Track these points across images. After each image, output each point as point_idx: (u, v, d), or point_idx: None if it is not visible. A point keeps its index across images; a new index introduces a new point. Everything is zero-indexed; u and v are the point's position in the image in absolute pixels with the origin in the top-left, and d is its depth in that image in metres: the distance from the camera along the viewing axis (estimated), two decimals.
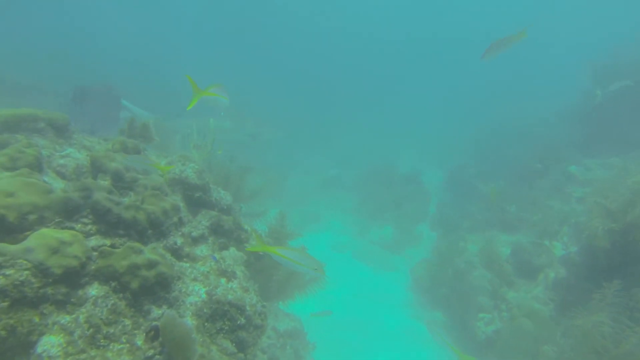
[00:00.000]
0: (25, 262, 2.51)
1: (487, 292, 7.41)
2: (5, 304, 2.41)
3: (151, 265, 3.03)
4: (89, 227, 3.17)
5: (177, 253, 3.69)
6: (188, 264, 3.56)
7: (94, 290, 2.83)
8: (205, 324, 3.27)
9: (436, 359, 7.33)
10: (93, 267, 2.88)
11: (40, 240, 2.60)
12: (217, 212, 4.79)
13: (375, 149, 18.91)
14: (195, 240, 4.14)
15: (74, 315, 2.67)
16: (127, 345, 2.81)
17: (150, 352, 2.83)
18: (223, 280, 3.68)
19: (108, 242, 3.18)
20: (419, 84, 35.46)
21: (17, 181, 2.81)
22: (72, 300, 2.71)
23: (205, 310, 3.29)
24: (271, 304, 6.37)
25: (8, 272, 2.45)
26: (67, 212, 3.09)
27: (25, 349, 2.47)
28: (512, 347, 6.11)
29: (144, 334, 2.92)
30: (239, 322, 3.40)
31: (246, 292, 3.68)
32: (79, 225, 3.12)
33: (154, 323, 2.98)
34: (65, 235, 2.74)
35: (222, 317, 3.36)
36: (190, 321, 3.17)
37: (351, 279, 10.11)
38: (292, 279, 6.40)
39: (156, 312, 3.04)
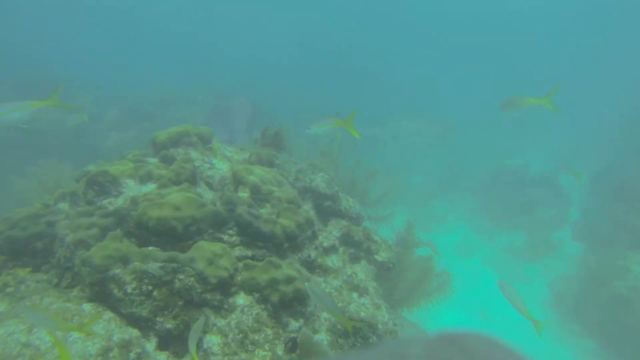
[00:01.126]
0: (191, 269, 2.80)
1: None
2: (181, 303, 2.75)
3: (289, 280, 3.13)
4: (234, 238, 3.42)
5: (310, 265, 3.78)
6: (322, 279, 3.62)
7: (241, 299, 3.03)
8: (339, 340, 3.28)
9: None
10: (239, 278, 3.09)
11: (200, 251, 2.88)
12: (347, 221, 4.81)
13: (497, 148, 17.26)
14: (327, 251, 4.20)
15: (227, 320, 2.90)
16: (270, 353, 2.95)
17: None
18: (355, 295, 3.66)
19: (250, 252, 3.40)
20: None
21: (181, 196, 3.16)
22: (224, 306, 2.95)
23: (338, 327, 3.30)
24: (396, 312, 6.22)
25: (180, 277, 2.79)
26: (217, 224, 3.37)
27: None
28: None
29: (283, 345, 3.04)
30: (370, 340, 3.33)
31: (378, 310, 3.60)
32: (226, 237, 3.38)
33: (292, 335, 3.08)
34: (217, 248, 2.98)
35: (354, 334, 3.33)
36: (324, 336, 3.21)
37: (480, 288, 9.39)
38: (419, 287, 6.16)
39: (293, 324, 3.13)
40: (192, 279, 2.79)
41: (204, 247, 2.92)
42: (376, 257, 4.55)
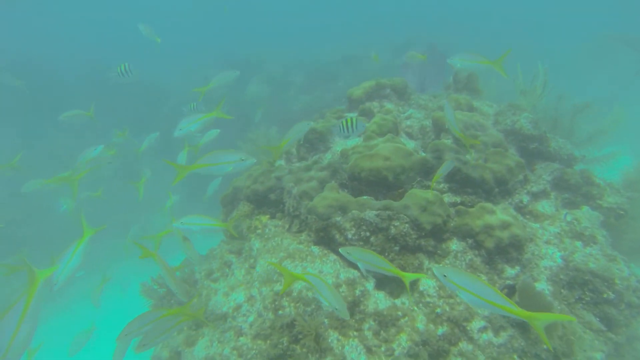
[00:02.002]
0: (405, 216, 2.99)
1: None
2: (397, 248, 2.98)
3: (504, 226, 3.03)
4: (442, 185, 3.46)
5: (522, 211, 3.57)
6: (538, 225, 3.38)
7: (454, 245, 3.10)
8: (562, 290, 3.06)
9: None
10: (452, 224, 3.14)
11: (413, 199, 3.03)
12: (558, 164, 4.31)
13: None
14: (536, 196, 3.88)
15: (440, 264, 3.03)
16: None
17: None
18: (579, 244, 3.31)
19: (458, 199, 3.39)
20: None
21: (389, 146, 3.34)
22: (438, 252, 3.08)
23: (561, 277, 3.07)
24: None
25: (396, 223, 3.00)
26: (425, 171, 3.45)
27: (411, 285, 3.02)
28: None
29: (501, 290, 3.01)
30: (605, 296, 3.00)
31: (613, 262, 3.19)
32: (434, 184, 3.44)
33: (508, 282, 3.02)
34: (430, 195, 3.08)
35: (581, 286, 3.05)
36: (545, 286, 3.04)
37: None
38: None
39: (509, 271, 3.06)
40: (406, 225, 2.97)
41: (417, 195, 3.04)
42: (600, 202, 3.98)
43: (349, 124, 3.36)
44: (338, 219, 3.25)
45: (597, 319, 2.97)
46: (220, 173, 3.16)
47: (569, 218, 3.48)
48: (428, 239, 3.04)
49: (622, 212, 3.88)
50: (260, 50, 15.21)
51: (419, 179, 3.40)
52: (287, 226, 3.77)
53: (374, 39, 16.04)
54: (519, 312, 1.95)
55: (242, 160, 3.12)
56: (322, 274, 3.04)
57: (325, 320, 2.78)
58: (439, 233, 3.09)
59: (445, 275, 2.15)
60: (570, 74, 14.27)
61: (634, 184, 4.75)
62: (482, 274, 3.04)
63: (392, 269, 2.38)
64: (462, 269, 2.92)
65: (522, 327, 2.74)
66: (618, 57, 15.97)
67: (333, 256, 3.21)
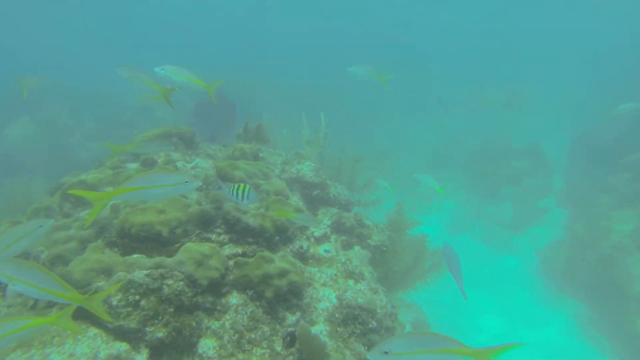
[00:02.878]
0: (179, 273, 2.72)
1: None
2: (171, 309, 2.66)
3: (283, 274, 3.08)
4: (222, 236, 3.34)
5: (303, 256, 3.74)
6: (316, 269, 3.57)
7: (234, 298, 2.97)
8: (338, 328, 3.25)
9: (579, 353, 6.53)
10: (231, 277, 3.02)
11: (188, 254, 2.80)
12: (337, 208, 4.77)
13: (482, 122, 17.33)
14: (318, 240, 4.17)
15: (221, 322, 2.83)
16: (268, 350, 2.90)
17: (290, 359, 2.89)
18: (351, 282, 3.63)
19: (240, 250, 3.32)
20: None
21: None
22: (217, 307, 2.89)
23: (337, 316, 3.27)
24: (392, 295, 6.25)
25: (169, 282, 2.69)
26: (204, 223, 3.28)
27: (190, 348, 2.71)
28: None
29: (282, 340, 3.00)
30: (370, 326, 3.32)
31: (375, 294, 3.58)
32: (214, 236, 3.30)
33: (290, 329, 3.04)
34: (206, 248, 2.90)
35: (353, 321, 3.31)
36: (323, 327, 3.18)
37: (473, 263, 9.51)
38: (414, 267, 6.18)
39: (290, 318, 3.09)
40: (181, 283, 2.71)
41: (192, 249, 2.83)
42: (369, 241, 4.53)
43: (240, 190, 2.99)
44: (100, 283, 2.76)
45: (365, 348, 3.24)
46: (153, 198, 2.71)
47: (343, 259, 3.80)
48: (206, 295, 2.83)
49: (385, 249, 4.50)
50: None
51: (197, 232, 3.21)
52: (31, 302, 3.00)
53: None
54: (471, 352, 1.96)
55: (186, 182, 2.61)
56: (74, 357, 2.46)
57: None
58: (217, 287, 2.92)
59: (386, 352, 1.97)
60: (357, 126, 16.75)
61: (394, 224, 5.66)
62: (265, 325, 2.98)
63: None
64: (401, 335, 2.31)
65: None
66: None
67: (94, 330, 2.66)
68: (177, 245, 3.03)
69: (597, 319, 7.10)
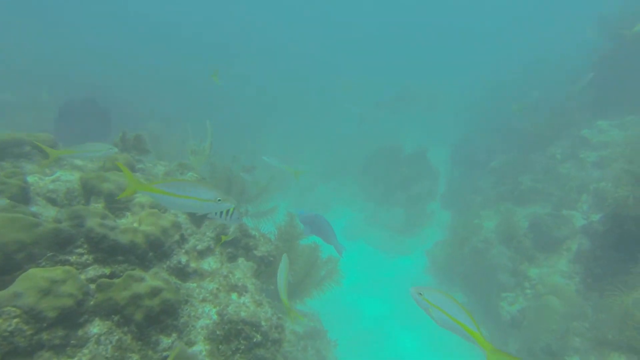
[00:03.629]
0: (13, 309, 2.29)
1: (508, 270, 7.18)
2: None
3: (154, 292, 2.81)
4: (85, 257, 2.96)
5: (183, 272, 3.48)
6: (195, 284, 3.35)
7: (96, 327, 2.62)
8: (220, 346, 3.07)
9: (458, 348, 7.15)
10: (92, 302, 2.67)
11: (29, 282, 2.39)
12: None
13: (374, 133, 18.45)
14: (202, 254, 3.93)
15: (75, 359, 2.47)
16: None
17: None
18: (234, 296, 3.47)
19: (107, 270, 2.97)
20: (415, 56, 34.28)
21: (0, 217, 2.59)
22: (71, 342, 2.51)
23: (218, 333, 3.09)
24: (293, 303, 6.21)
25: None
26: (59, 244, 2.87)
27: None
28: (539, 325, 5.90)
29: None
30: (255, 340, 3.20)
31: (260, 307, 3.47)
32: (74, 257, 2.91)
33: (165, 354, 2.79)
34: (57, 273, 2.52)
35: (236, 336, 3.16)
36: (202, 347, 2.97)
37: (367, 267, 9.93)
38: (308, 277, 6.22)
39: (165, 341, 2.84)
40: (15, 320, 2.28)
41: (36, 276, 2.43)
42: (255, 252, 4.42)
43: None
44: None
45: None
46: (179, 208, 2.62)
47: (225, 272, 3.63)
48: (54, 330, 2.44)
49: (272, 259, 4.42)
50: None
51: (50, 255, 2.78)
52: None
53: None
54: (483, 342, 2.06)
55: (218, 201, 2.54)
56: None
57: None
58: (72, 317, 2.54)
59: (420, 294, 2.20)
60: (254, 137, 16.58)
61: (284, 235, 5.64)
62: (134, 353, 2.68)
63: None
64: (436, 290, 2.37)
65: None
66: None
67: None
68: (18, 273, 2.58)
69: (474, 306, 7.88)
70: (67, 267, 2.63)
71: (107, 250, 3.02)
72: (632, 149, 5.99)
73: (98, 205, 3.48)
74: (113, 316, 2.70)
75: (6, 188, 3.04)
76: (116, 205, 3.65)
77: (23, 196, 3.15)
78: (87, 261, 2.96)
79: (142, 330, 2.76)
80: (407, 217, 12.23)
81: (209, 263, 3.93)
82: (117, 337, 2.65)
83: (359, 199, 13.99)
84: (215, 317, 3.13)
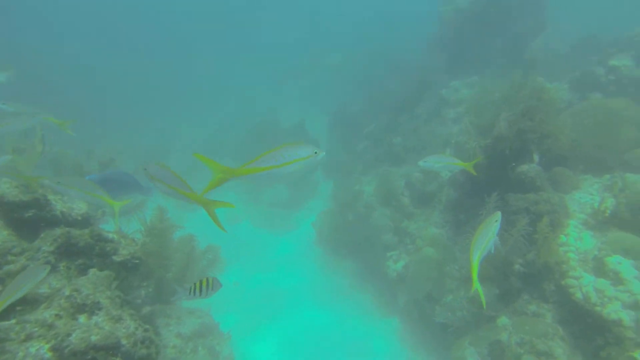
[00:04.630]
0: None
1: (390, 230, 7.52)
2: None
3: None
4: None
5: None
6: (14, 320, 2.64)
7: None
8: None
9: (352, 313, 7.36)
10: None
11: None
12: (64, 227, 3.78)
13: (256, 111, 17.94)
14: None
15: None
16: None
17: None
18: (82, 318, 2.85)
19: None
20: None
21: None
22: None
23: None
24: (171, 306, 5.62)
25: None
26: None
27: None
28: (420, 276, 6.28)
29: None
30: None
31: (119, 322, 2.92)
32: None
33: None
34: None
35: None
36: None
37: (255, 248, 9.64)
38: (187, 270, 5.68)
39: None
40: None
41: None
42: (115, 257, 3.77)
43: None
44: None
45: None
46: (284, 179, 2.44)
47: (67, 292, 2.96)
48: None
49: (137, 261, 3.83)
50: None
51: None
52: None
53: None
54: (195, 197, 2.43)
55: (315, 153, 2.50)
56: None
57: None
58: None
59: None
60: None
61: (155, 230, 5.01)
62: None
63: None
64: None
65: None
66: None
67: None
68: None
69: (363, 270, 8.19)
70: None
71: None
72: (476, 104, 6.59)
73: None
74: None
75: None
76: None
77: None
78: None
79: None
80: (291, 191, 12.15)
81: (51, 285, 3.21)
82: None
83: (240, 180, 13.43)
84: (48, 355, 2.50)
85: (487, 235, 3.14)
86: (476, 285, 3.06)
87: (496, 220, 3.27)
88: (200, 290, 3.14)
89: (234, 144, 14.06)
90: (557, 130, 5.75)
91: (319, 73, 20.51)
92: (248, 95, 19.53)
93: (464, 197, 6.59)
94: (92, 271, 3.34)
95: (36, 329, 2.58)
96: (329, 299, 7.75)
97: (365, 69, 16.29)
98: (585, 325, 4.32)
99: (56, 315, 2.76)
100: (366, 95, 14.22)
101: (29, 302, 2.86)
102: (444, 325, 5.70)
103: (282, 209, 11.50)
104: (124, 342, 2.81)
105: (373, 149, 10.83)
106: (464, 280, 5.63)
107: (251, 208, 11.56)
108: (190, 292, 3.17)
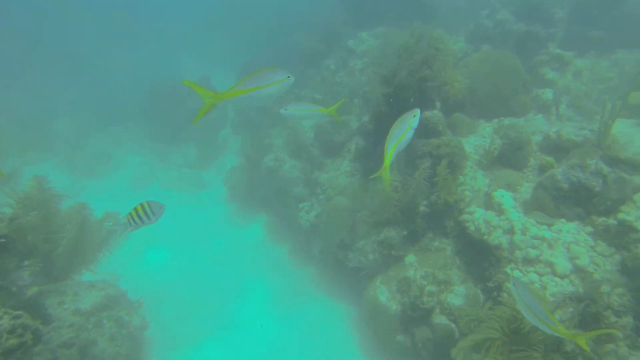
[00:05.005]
0: None
1: (301, 182, 7.52)
2: None
3: None
4: None
5: None
6: None
7: None
8: None
9: (270, 266, 7.41)
10: None
11: None
12: None
13: (150, 66, 16.34)
14: None
15: None
16: None
17: None
18: None
19: None
20: None
21: None
22: None
23: None
24: (66, 282, 5.10)
25: None
26: None
27: None
28: (333, 224, 6.44)
29: None
30: None
31: None
32: None
33: None
34: None
35: None
36: None
37: (167, 212, 9.10)
38: (80, 243, 5.13)
39: None
40: None
41: None
42: None
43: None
44: None
45: None
46: (262, 100, 2.78)
47: None
48: None
49: (2, 240, 3.31)
50: None
51: None
52: None
53: None
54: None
55: (288, 77, 2.88)
56: None
57: None
58: None
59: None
60: None
61: (32, 201, 4.40)
62: None
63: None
64: None
65: None
66: None
67: None
68: None
69: (278, 224, 8.20)
70: None
71: None
72: (380, 55, 6.65)
73: None
74: None
75: None
76: None
77: None
78: None
79: None
80: (201, 150, 11.57)
81: None
82: None
83: (145, 143, 12.45)
84: None
85: (403, 128, 3.16)
86: (386, 173, 3.24)
87: (414, 115, 3.25)
88: (142, 218, 2.89)
89: (137, 108, 12.84)
90: (453, 78, 6.05)
91: (224, 31, 19.36)
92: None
93: (372, 145, 6.75)
94: None
95: None
96: (244, 255, 7.68)
97: (272, 25, 15.59)
98: (476, 253, 4.81)
99: None
100: (273, 49, 13.69)
101: None
102: (357, 270, 5.98)
103: (192, 168, 10.95)
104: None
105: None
106: (375, 224, 5.87)
107: (160, 171, 10.82)
108: (129, 222, 2.92)
